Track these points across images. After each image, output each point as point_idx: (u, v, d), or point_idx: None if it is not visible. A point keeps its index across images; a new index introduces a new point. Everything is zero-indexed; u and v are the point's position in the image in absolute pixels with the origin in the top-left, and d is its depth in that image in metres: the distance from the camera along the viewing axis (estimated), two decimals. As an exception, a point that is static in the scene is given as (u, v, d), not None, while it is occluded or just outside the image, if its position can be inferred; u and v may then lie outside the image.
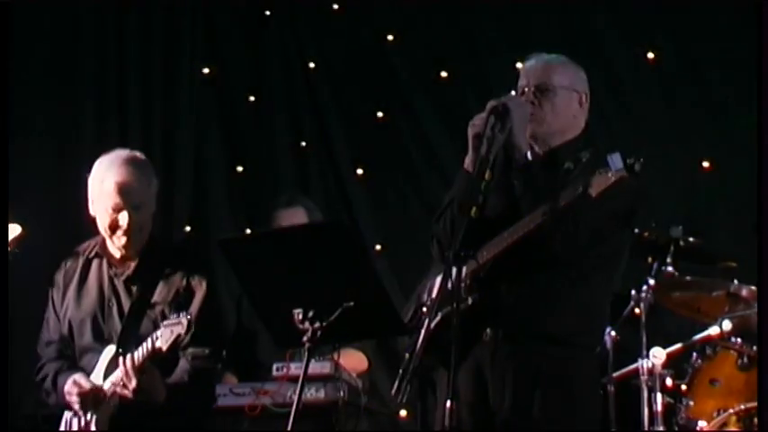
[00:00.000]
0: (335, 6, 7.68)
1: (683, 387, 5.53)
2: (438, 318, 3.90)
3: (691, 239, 5.68)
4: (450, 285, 3.76)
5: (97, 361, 4.74)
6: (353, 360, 5.91)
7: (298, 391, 4.06)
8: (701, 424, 5.40)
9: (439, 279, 4.13)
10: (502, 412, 4.07)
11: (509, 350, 4.09)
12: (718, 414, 5.37)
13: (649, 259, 5.68)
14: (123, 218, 4.70)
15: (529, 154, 4.11)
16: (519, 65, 4.46)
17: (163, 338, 4.42)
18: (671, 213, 6.43)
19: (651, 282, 5.59)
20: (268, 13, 7.80)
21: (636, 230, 5.68)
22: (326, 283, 3.98)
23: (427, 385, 4.24)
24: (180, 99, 7.56)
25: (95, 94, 7.29)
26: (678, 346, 5.61)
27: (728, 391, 5.44)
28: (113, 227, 4.73)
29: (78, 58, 7.26)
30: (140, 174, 4.76)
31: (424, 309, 4.29)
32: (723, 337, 5.51)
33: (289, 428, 3.99)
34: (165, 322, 4.47)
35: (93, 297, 4.84)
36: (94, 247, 4.91)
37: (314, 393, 5.61)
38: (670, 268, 5.63)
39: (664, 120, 6.92)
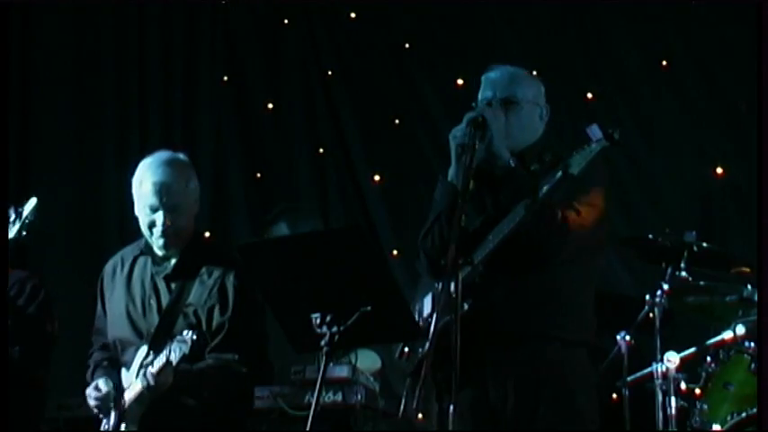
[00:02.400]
0: (353, 15, 7.74)
1: (697, 391, 5.53)
2: (440, 326, 3.94)
3: (704, 245, 5.69)
4: (448, 293, 3.81)
5: (134, 357, 4.80)
6: (367, 360, 5.95)
7: (316, 395, 4.10)
8: (715, 427, 5.41)
9: (429, 297, 4.23)
10: (505, 413, 4.12)
11: (506, 352, 4.14)
12: (732, 418, 5.38)
13: (663, 264, 5.69)
14: (159, 218, 4.76)
15: (511, 161, 4.18)
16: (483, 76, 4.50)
17: (174, 353, 4.50)
18: (685, 218, 6.48)
19: (665, 287, 5.60)
20: (286, 21, 7.86)
21: (650, 236, 5.74)
22: (344, 287, 4.02)
23: (442, 389, 4.28)
24: (200, 107, 7.63)
25: (116, 103, 7.37)
26: (692, 350, 5.63)
27: (742, 394, 5.45)
28: (151, 227, 4.79)
29: (100, 69, 7.33)
30: (178, 175, 4.79)
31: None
32: (737, 341, 5.52)
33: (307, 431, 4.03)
34: (178, 337, 4.52)
35: (135, 293, 4.90)
36: (141, 245, 4.98)
37: (331, 397, 5.65)
38: (684, 273, 5.64)
39: (678, 126, 6.96)
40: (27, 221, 5.01)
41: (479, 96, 4.37)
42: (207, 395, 4.69)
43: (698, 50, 7.00)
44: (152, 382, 4.57)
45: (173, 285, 4.83)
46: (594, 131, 4.00)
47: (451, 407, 3.72)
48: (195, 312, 4.73)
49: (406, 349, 4.38)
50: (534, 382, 4.12)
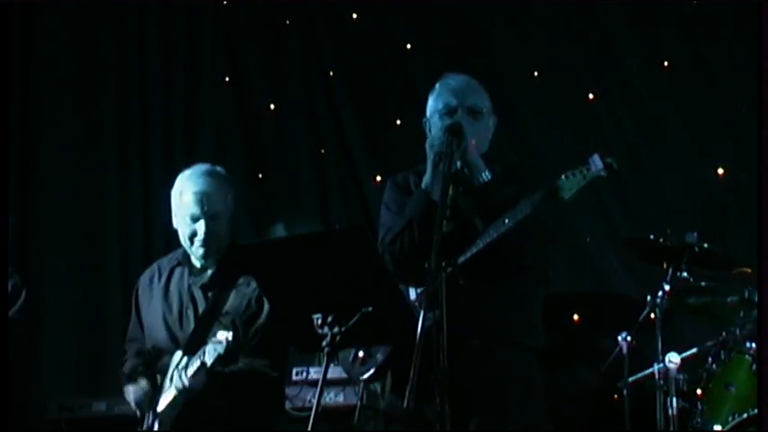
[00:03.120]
0: (354, 15, 7.74)
1: (698, 391, 5.55)
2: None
3: (705, 245, 5.69)
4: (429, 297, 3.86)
5: (170, 363, 4.83)
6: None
7: (317, 395, 4.12)
8: (716, 428, 5.43)
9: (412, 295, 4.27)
10: (471, 415, 4.17)
11: (467, 359, 4.16)
12: (733, 418, 5.40)
13: (664, 265, 5.70)
14: (201, 227, 4.80)
15: (486, 172, 4.22)
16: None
17: (208, 355, 4.52)
18: (686, 219, 6.49)
19: (666, 287, 5.61)
20: (288, 22, 7.87)
21: (651, 237, 5.75)
22: (345, 288, 4.03)
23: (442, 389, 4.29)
24: (201, 108, 7.64)
25: (117, 105, 7.37)
26: (693, 351, 5.63)
27: (743, 395, 5.46)
28: (192, 236, 4.81)
29: (100, 69, 7.34)
30: (218, 185, 4.86)
31: None
32: (738, 342, 5.54)
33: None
34: (213, 339, 4.56)
35: (172, 303, 4.94)
36: (178, 255, 5.02)
37: (333, 398, 5.66)
38: (685, 274, 5.65)
39: (679, 127, 6.97)
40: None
41: (438, 104, 4.41)
42: (238, 398, 4.72)
43: (699, 51, 7.00)
44: (186, 385, 4.62)
45: (210, 295, 4.87)
46: (596, 162, 4.04)
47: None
48: (233, 321, 4.76)
49: (361, 354, 4.41)
50: (496, 386, 4.20)
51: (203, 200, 4.81)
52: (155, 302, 4.99)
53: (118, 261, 7.18)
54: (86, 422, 6.04)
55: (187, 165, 7.35)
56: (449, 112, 4.38)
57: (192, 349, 4.70)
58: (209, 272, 4.91)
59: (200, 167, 4.96)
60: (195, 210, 4.81)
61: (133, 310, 5.09)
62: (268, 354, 4.76)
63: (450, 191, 4.05)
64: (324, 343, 4.03)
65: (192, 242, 4.85)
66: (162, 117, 7.51)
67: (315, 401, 4.16)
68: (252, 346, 4.73)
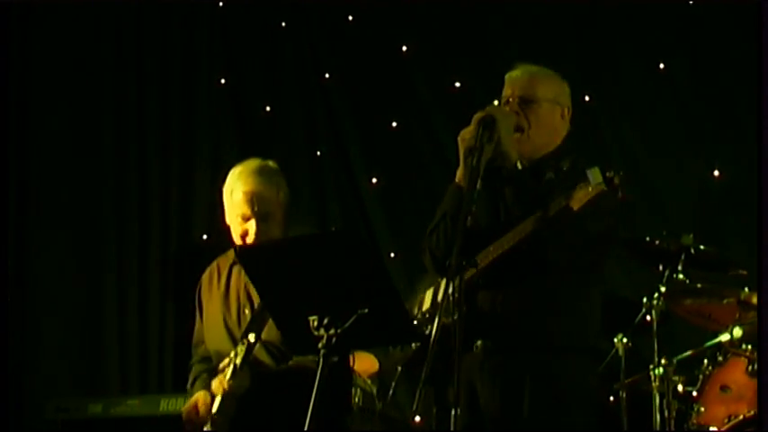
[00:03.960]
0: (350, 17, 7.75)
1: (694, 393, 5.55)
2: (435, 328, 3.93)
3: (702, 247, 5.71)
4: (448, 295, 3.81)
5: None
6: (364, 362, 5.94)
7: (313, 397, 4.11)
8: (712, 430, 5.43)
9: (430, 292, 4.22)
10: (492, 417, 4.12)
11: (498, 359, 4.14)
12: (729, 420, 5.39)
13: (660, 267, 5.71)
14: (252, 227, 4.76)
15: (518, 163, 4.16)
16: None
17: (238, 356, 4.51)
18: (682, 221, 6.49)
19: (662, 289, 5.62)
20: (284, 24, 7.87)
21: (647, 238, 5.75)
22: (341, 290, 4.03)
23: (441, 392, 4.29)
24: (197, 109, 7.64)
25: (114, 106, 7.37)
26: (689, 352, 5.64)
27: (739, 397, 5.46)
28: (243, 236, 4.78)
29: (97, 70, 7.33)
30: (269, 183, 4.82)
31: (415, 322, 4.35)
32: (734, 343, 5.53)
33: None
34: (243, 340, 4.55)
35: (231, 302, 4.90)
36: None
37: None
38: (681, 276, 5.67)
39: (675, 128, 6.97)
40: None
41: (501, 95, 4.36)
42: (291, 396, 4.58)
43: (695, 52, 7.01)
44: (226, 388, 4.58)
45: None
46: (593, 175, 3.98)
47: (453, 411, 3.73)
48: None
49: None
50: (523, 387, 4.10)
51: (253, 199, 4.76)
52: (214, 302, 4.93)
53: (114, 262, 7.17)
54: (82, 423, 6.04)
55: (183, 168, 7.48)
56: (506, 102, 4.31)
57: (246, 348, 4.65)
58: None
59: (252, 164, 4.88)
60: (246, 209, 4.76)
61: (197, 311, 5.02)
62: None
63: (479, 185, 3.99)
64: (320, 345, 4.03)
65: (244, 241, 4.80)
66: (158, 119, 7.50)
67: (311, 403, 4.14)
68: None
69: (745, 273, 5.73)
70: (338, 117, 7.77)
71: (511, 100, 4.30)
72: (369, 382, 5.84)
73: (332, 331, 4.01)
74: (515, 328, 4.15)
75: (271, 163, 4.93)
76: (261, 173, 4.83)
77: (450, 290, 3.81)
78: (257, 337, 4.57)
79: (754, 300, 5.56)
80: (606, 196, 4.00)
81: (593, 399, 4.29)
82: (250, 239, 4.76)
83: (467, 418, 4.06)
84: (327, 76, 7.80)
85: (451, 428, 3.72)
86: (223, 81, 7.78)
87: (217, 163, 7.70)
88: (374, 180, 7.63)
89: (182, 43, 7.68)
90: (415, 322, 4.35)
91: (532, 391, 4.09)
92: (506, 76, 4.41)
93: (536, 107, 4.28)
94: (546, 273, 4.11)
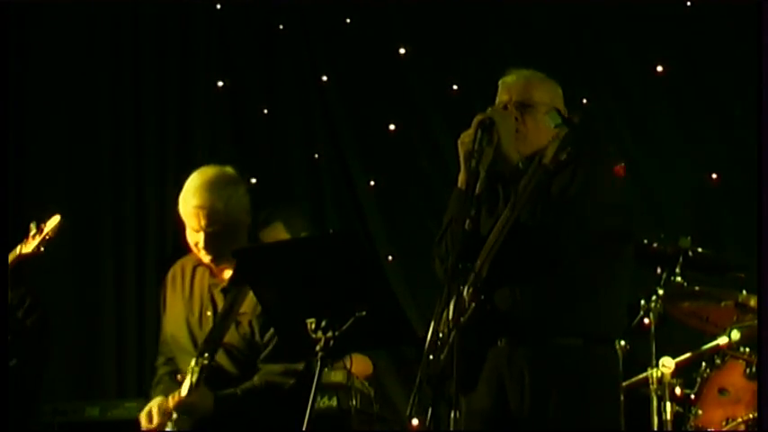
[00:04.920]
0: (348, 20, 7.75)
1: (692, 396, 5.55)
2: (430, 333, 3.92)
3: (699, 250, 5.70)
4: (447, 299, 3.81)
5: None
6: (360, 364, 5.94)
7: (311, 400, 4.10)
8: (710, 432, 5.45)
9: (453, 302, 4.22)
10: (521, 414, 4.10)
11: (524, 354, 4.12)
12: (727, 423, 5.40)
13: (658, 269, 5.70)
14: (200, 239, 4.73)
15: (520, 164, 4.17)
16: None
17: (194, 374, 4.50)
18: (680, 223, 6.49)
19: (660, 292, 5.62)
20: (281, 26, 7.87)
21: (645, 241, 5.75)
22: (339, 292, 4.03)
23: (439, 395, 4.28)
24: (194, 111, 7.64)
25: (111, 108, 7.37)
26: (687, 355, 5.64)
27: (737, 400, 5.46)
28: (195, 245, 4.78)
29: (94, 72, 7.34)
30: (217, 196, 4.73)
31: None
32: (732, 346, 5.53)
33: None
34: (200, 357, 4.54)
35: (194, 304, 4.86)
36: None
37: (327, 402, 5.65)
38: (679, 278, 5.66)
39: (673, 131, 6.97)
40: (47, 237, 5.15)
41: (496, 101, 4.36)
42: (256, 416, 4.62)
43: (693, 54, 7.01)
44: (181, 409, 4.56)
45: (227, 297, 4.78)
46: (553, 117, 4.02)
47: (452, 413, 3.72)
48: (249, 322, 4.68)
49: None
50: (551, 382, 4.09)
51: (200, 214, 4.71)
52: (177, 303, 4.90)
53: (112, 265, 7.17)
54: (80, 427, 6.03)
55: (180, 169, 7.44)
56: (502, 107, 4.28)
57: (208, 351, 4.63)
58: (227, 273, 4.81)
59: (203, 176, 4.82)
60: (194, 223, 4.76)
61: (161, 309, 5.00)
62: (284, 359, 4.63)
63: (480, 188, 3.99)
64: (317, 347, 4.03)
65: (197, 249, 4.81)
66: (156, 121, 7.50)
67: (308, 405, 4.14)
68: (271, 349, 4.61)
69: (742, 275, 5.73)
70: (336, 119, 7.77)
71: (509, 105, 4.30)
72: (366, 384, 5.84)
73: (329, 334, 4.00)
74: (537, 322, 4.13)
75: (228, 170, 4.87)
76: (210, 186, 4.76)
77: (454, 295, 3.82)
78: (212, 357, 4.55)
79: (752, 302, 5.56)
80: (572, 139, 4.02)
81: (619, 389, 4.30)
82: (200, 249, 4.75)
83: (493, 412, 4.07)
84: (325, 78, 7.80)
85: (450, 429, 3.71)
86: (221, 83, 7.78)
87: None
88: (371, 183, 7.63)
89: (179, 45, 7.68)
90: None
91: (560, 384, 4.06)
92: (500, 82, 4.41)
93: (534, 111, 4.29)
94: (558, 265, 4.10)
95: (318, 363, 4.04)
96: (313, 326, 4.02)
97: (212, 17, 7.82)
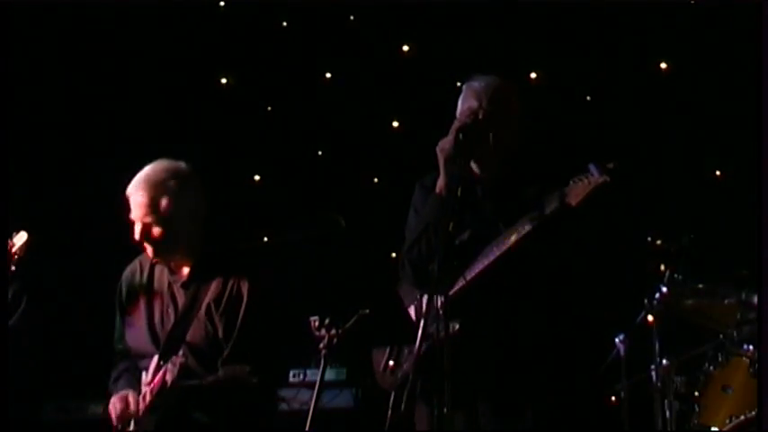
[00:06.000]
0: (351, 17, 7.75)
1: (696, 393, 5.55)
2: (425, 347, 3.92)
3: (703, 247, 5.71)
4: (434, 308, 3.82)
5: (148, 366, 4.78)
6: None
7: (314, 397, 4.11)
8: (714, 430, 5.43)
9: (412, 309, 4.22)
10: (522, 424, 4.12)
11: (514, 370, 4.13)
12: (730, 420, 5.40)
13: (662, 267, 5.71)
14: (138, 231, 4.75)
15: (496, 169, 4.19)
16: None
17: (169, 374, 4.50)
18: (683, 221, 6.49)
19: (663, 289, 5.62)
20: (285, 24, 7.87)
21: (648, 239, 5.75)
22: (342, 291, 4.03)
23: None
24: (197, 109, 7.64)
25: (112, 107, 7.37)
26: (690, 353, 5.64)
27: (740, 397, 5.46)
28: (137, 239, 4.77)
29: (95, 71, 7.34)
30: (156, 194, 4.74)
31: None
32: (735, 344, 5.54)
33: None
34: (173, 358, 4.53)
35: (155, 303, 4.87)
36: None
37: (330, 400, 5.66)
38: (682, 276, 5.66)
39: (676, 129, 6.97)
40: (16, 257, 4.99)
41: (463, 106, 4.38)
42: (219, 410, 4.63)
43: (697, 52, 7.01)
44: (148, 403, 4.57)
45: (188, 293, 4.78)
46: (593, 171, 4.05)
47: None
48: (211, 319, 4.69)
49: (391, 363, 4.38)
50: (544, 399, 4.11)
51: (134, 208, 4.74)
52: (137, 300, 4.90)
53: (111, 265, 7.16)
54: (83, 424, 6.04)
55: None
56: (472, 113, 4.34)
57: (168, 352, 4.64)
58: (186, 270, 4.81)
59: (149, 169, 4.82)
60: (135, 214, 4.75)
61: (117, 308, 4.99)
62: (251, 357, 4.60)
63: (459, 192, 4.01)
64: (321, 345, 4.03)
65: (140, 243, 4.79)
66: (158, 119, 7.50)
67: (312, 403, 4.15)
68: (232, 349, 4.61)
69: (745, 272, 5.73)
70: (339, 117, 7.77)
71: (481, 112, 4.32)
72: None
73: (333, 332, 4.01)
74: (524, 335, 4.14)
75: (181, 165, 4.84)
76: (146, 185, 4.76)
77: (435, 303, 3.82)
78: (175, 354, 4.56)
79: (755, 300, 5.55)
80: (605, 189, 4.03)
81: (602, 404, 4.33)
82: (143, 242, 4.75)
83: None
84: (328, 75, 7.80)
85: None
86: (224, 81, 7.78)
87: (216, 163, 7.71)
88: (375, 180, 7.63)
89: (182, 43, 7.68)
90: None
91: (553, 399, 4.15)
92: (467, 87, 4.44)
93: (504, 117, 4.31)
94: (566, 281, 4.13)
95: (322, 360, 4.05)
96: (317, 323, 4.03)
97: (215, 14, 7.81)
